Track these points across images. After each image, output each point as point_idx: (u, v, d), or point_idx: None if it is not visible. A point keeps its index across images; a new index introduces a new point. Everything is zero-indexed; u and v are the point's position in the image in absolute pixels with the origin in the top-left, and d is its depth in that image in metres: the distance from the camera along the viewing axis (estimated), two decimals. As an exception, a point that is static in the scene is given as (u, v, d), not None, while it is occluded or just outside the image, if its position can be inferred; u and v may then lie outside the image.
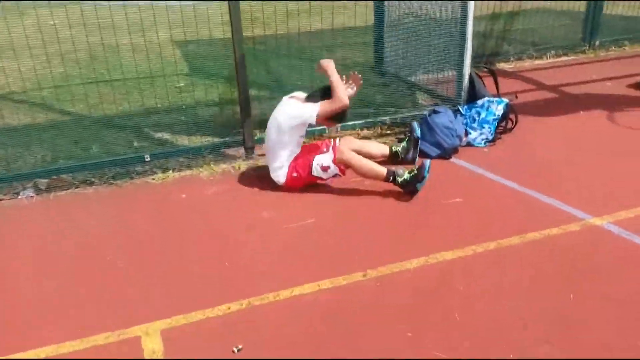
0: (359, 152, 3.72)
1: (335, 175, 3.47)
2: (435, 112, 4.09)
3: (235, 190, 3.59)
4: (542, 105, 4.92)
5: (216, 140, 4.20)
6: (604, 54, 6.60)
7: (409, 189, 3.34)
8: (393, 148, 3.81)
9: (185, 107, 4.85)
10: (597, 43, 6.68)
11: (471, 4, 4.12)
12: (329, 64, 3.39)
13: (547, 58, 6.54)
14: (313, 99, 3.39)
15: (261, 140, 4.12)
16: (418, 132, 3.81)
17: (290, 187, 3.51)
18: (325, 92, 3.37)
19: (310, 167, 3.40)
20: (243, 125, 3.98)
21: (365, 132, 4.46)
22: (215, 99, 4.99)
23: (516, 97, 4.29)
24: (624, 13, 7.05)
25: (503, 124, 4.21)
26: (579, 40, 6.70)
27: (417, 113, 4.45)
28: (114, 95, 4.85)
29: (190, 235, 3.09)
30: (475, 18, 4.34)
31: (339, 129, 4.27)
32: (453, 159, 3.90)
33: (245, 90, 3.90)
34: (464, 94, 4.41)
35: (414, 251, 2.80)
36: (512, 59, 6.43)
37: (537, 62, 6.45)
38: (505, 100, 4.13)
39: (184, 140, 4.26)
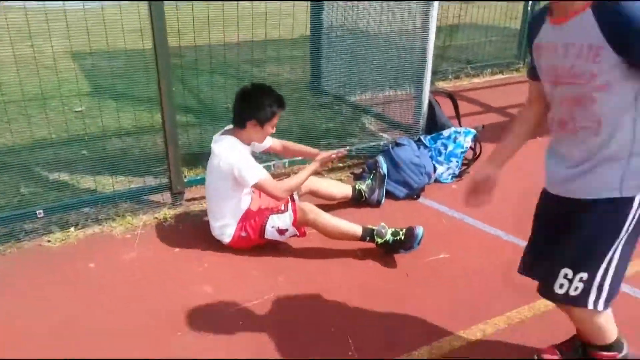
0: (316, 193, 3.08)
1: (293, 236, 2.78)
2: (397, 144, 3.54)
3: (162, 253, 2.78)
4: (496, 131, 4.56)
5: (133, 183, 3.34)
6: (538, 72, 6.52)
7: (388, 251, 2.74)
8: (357, 187, 3.20)
9: (88, 139, 3.91)
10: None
11: (434, 11, 3.61)
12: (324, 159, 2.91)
13: (483, 76, 6.32)
14: (240, 125, 2.68)
15: (192, 182, 3.33)
16: (384, 168, 3.24)
17: (237, 248, 2.77)
18: (245, 102, 2.65)
19: (263, 228, 2.70)
20: (169, 162, 3.17)
21: (314, 166, 3.83)
22: (128, 127, 4.09)
23: (483, 127, 3.88)
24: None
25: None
26: (513, 58, 6.58)
27: (373, 144, 3.88)
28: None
29: (102, 332, 2.24)
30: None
31: (285, 165, 3.59)
32: (422, 199, 3.37)
33: (171, 115, 3.06)
34: (422, 122, 3.92)
35: (410, 337, 2.19)
36: (450, 77, 6.14)
37: (475, 80, 6.21)
38: (473, 131, 3.69)
39: (88, 183, 3.35)
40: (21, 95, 3.82)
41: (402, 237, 2.68)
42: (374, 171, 3.27)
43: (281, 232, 2.71)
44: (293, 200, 2.89)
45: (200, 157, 3.53)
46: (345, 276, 2.60)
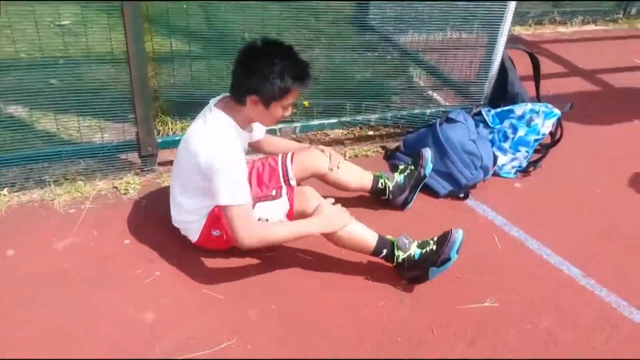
0: (323, 177, 2.22)
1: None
2: (448, 120, 2.61)
3: (107, 245, 2.05)
4: (583, 104, 3.52)
5: (98, 133, 2.58)
6: (641, 25, 5.21)
7: (412, 274, 1.93)
8: (380, 181, 2.31)
9: (63, 62, 3.14)
10: (632, 11, 5.27)
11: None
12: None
13: (572, 25, 5.09)
14: (237, 98, 1.79)
15: (168, 144, 2.55)
16: (429, 168, 2.32)
17: (208, 249, 2.03)
18: (246, 66, 1.73)
19: (246, 224, 1.92)
20: (135, 115, 2.37)
21: (336, 133, 2.97)
22: (116, 53, 3.27)
23: (571, 106, 2.84)
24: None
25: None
26: (613, 6, 5.25)
27: (416, 112, 2.95)
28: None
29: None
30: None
31: (296, 131, 2.74)
32: (470, 201, 2.49)
33: (139, 49, 2.22)
34: (488, 87, 2.93)
35: None
36: (530, 22, 4.94)
37: (560, 29, 5.01)
38: (557, 112, 2.69)
39: (46, 124, 2.62)
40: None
41: (434, 248, 1.88)
42: (410, 166, 2.34)
43: (271, 226, 1.93)
44: (289, 182, 2.08)
45: (192, 107, 2.71)
46: (342, 320, 1.82)
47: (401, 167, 2.38)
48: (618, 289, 2.03)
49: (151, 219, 2.18)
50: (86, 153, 2.43)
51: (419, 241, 1.95)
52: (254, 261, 2.01)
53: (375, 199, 2.34)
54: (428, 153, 2.31)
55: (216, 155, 1.73)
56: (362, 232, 1.93)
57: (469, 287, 1.97)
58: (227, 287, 1.90)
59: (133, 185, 2.39)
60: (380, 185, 2.28)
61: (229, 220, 1.74)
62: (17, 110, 2.69)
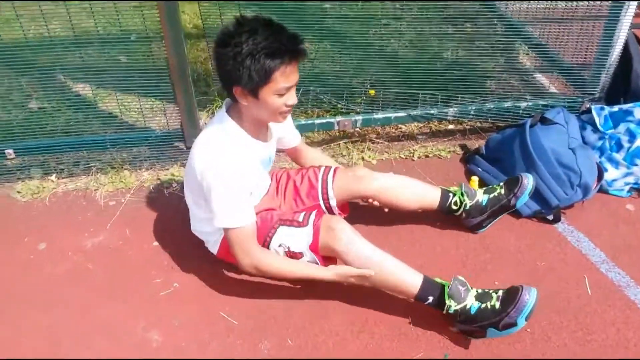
0: (375, 195, 1.87)
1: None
2: (543, 120, 2.11)
3: (133, 248, 1.93)
4: None
5: (153, 118, 2.47)
6: None
7: (465, 328, 1.57)
8: (454, 199, 1.88)
9: (135, 38, 3.07)
10: None
11: None
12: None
13: None
14: (230, 96, 1.52)
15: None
16: (524, 200, 1.86)
17: (230, 263, 1.83)
18: (217, 55, 1.44)
19: (266, 242, 1.67)
20: (177, 102, 2.18)
21: (408, 126, 2.58)
22: (186, 27, 3.13)
23: None
24: None
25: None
26: None
27: (509, 105, 2.44)
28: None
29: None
30: None
31: (357, 125, 2.39)
32: (561, 225, 2.00)
33: (172, 14, 1.95)
34: (605, 77, 2.33)
35: None
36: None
37: None
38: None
39: (108, 104, 2.57)
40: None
41: (497, 305, 1.50)
42: (501, 188, 1.87)
43: (292, 255, 1.67)
44: (328, 202, 1.80)
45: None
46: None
47: (490, 186, 1.95)
48: None
49: (185, 219, 2.01)
50: (132, 141, 2.32)
51: (479, 291, 1.57)
52: (280, 285, 1.77)
53: (439, 216, 1.96)
54: (529, 180, 1.84)
55: (210, 169, 1.52)
56: (400, 272, 1.59)
57: (538, 346, 1.56)
58: (244, 311, 1.70)
59: (177, 178, 2.26)
60: (453, 204, 1.88)
61: (228, 243, 1.57)
62: (84, 89, 2.67)
